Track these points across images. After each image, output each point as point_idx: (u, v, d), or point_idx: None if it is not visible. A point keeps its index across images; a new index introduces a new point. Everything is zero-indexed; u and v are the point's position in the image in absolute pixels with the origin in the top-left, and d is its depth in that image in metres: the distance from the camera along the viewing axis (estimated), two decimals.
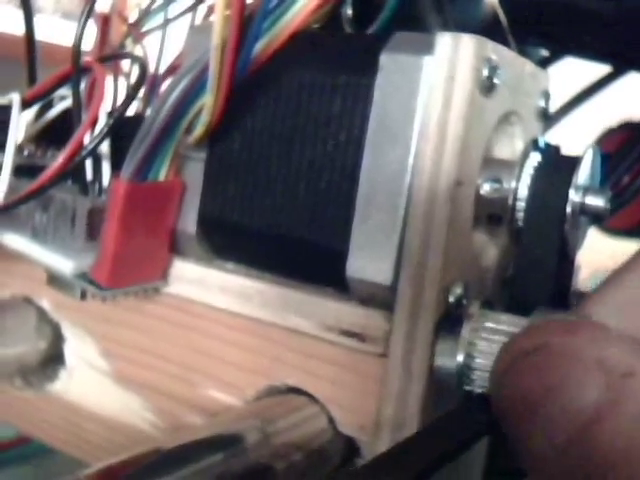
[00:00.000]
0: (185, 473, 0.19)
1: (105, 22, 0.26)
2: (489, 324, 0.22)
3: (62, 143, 0.25)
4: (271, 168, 0.24)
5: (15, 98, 0.26)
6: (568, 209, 0.23)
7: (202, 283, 0.26)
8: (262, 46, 0.23)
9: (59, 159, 0.24)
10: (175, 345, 0.27)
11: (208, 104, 0.23)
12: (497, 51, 0.23)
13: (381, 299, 0.23)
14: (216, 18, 0.21)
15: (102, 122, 0.24)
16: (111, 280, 0.25)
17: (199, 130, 0.24)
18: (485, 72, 0.22)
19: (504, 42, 0.24)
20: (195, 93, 0.23)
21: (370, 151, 0.23)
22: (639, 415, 0.15)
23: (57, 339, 0.30)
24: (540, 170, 0.23)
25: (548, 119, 0.28)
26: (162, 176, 0.25)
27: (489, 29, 0.28)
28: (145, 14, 0.29)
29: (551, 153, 0.24)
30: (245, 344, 0.26)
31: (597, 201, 0.23)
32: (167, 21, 0.30)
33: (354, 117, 0.23)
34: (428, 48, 0.22)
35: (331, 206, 0.24)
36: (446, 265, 0.22)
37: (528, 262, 0.23)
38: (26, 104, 0.26)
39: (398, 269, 0.23)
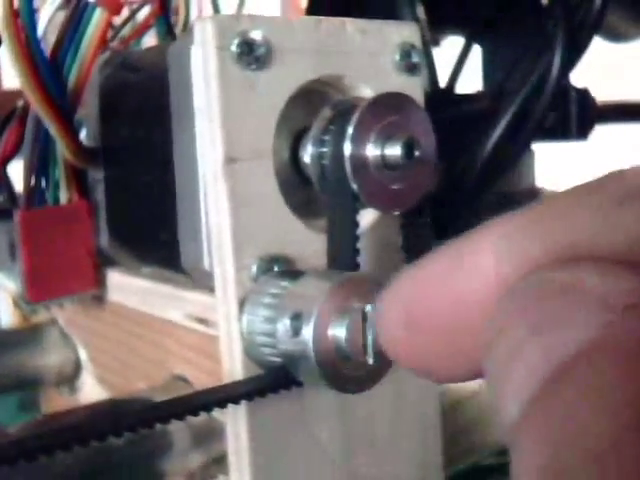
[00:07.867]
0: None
1: None
2: (267, 291, 0.22)
3: None
4: (128, 180, 0.27)
5: None
6: (347, 163, 0.21)
7: (121, 288, 0.29)
8: (78, 66, 0.25)
9: None
10: (119, 346, 0.30)
11: (51, 130, 0.26)
12: (266, 23, 0.23)
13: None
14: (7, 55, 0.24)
15: None
16: (35, 295, 0.29)
17: (65, 153, 0.27)
18: (234, 48, 0.22)
19: None
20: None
21: (176, 146, 0.24)
22: None
23: (76, 351, 0.35)
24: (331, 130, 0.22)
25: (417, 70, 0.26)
26: (63, 199, 0.28)
27: None
28: None
29: (341, 111, 0.23)
30: (149, 338, 0.28)
31: (392, 151, 0.22)
32: None
33: (162, 116, 0.24)
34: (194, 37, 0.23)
35: (166, 205, 0.25)
36: (240, 244, 0.23)
37: (331, 222, 0.22)
38: None
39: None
